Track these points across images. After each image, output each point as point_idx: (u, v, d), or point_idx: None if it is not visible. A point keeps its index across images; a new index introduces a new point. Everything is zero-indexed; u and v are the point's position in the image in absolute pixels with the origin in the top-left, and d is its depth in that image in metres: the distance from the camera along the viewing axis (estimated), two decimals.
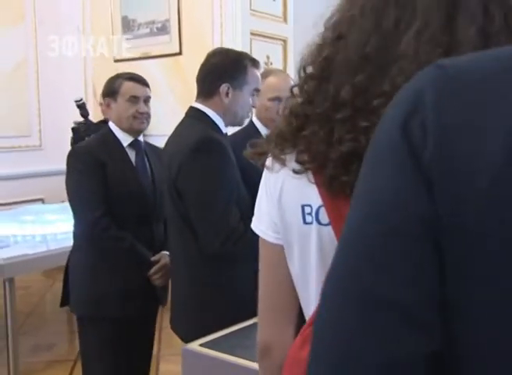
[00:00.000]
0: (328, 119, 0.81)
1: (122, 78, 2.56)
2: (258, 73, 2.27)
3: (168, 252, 2.53)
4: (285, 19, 4.75)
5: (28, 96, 5.77)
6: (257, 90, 2.27)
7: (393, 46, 0.75)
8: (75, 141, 4.82)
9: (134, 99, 2.53)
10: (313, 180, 0.86)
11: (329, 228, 0.87)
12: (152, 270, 2.50)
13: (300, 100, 0.87)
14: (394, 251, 0.47)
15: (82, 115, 4.79)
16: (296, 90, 0.90)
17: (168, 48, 5.05)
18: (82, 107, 4.79)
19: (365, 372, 0.47)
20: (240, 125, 2.45)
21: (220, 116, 2.16)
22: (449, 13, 0.72)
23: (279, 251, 0.98)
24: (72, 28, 5.71)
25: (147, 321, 2.75)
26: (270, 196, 0.96)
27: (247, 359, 1.68)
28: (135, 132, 2.58)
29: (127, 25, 5.35)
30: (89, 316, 2.56)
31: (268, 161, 0.94)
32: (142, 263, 2.50)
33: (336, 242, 0.82)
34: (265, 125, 2.53)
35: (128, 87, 2.53)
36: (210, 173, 2.01)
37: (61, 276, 5.35)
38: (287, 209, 0.93)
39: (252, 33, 4.49)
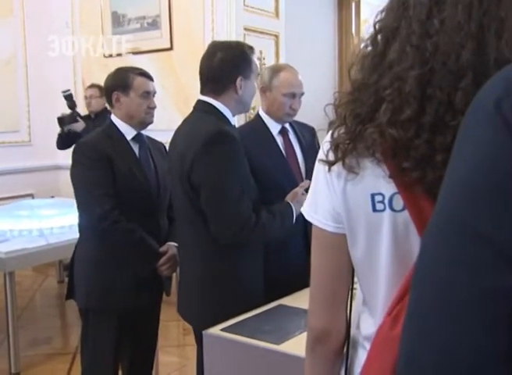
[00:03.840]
0: (442, 126, 0.84)
1: (132, 73, 2.58)
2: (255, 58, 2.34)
3: (174, 243, 2.58)
4: (277, 15, 4.81)
5: (17, 91, 5.75)
6: (257, 75, 2.35)
7: (489, 51, 0.82)
8: (63, 132, 4.88)
9: (147, 94, 2.58)
10: (387, 173, 0.91)
11: (403, 213, 0.92)
12: (161, 261, 2.54)
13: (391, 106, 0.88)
14: (492, 202, 0.55)
15: (69, 106, 4.84)
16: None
17: (159, 43, 5.07)
18: (69, 98, 4.83)
19: (462, 300, 0.55)
20: (247, 112, 2.49)
21: (228, 108, 2.21)
22: None
23: (340, 239, 1.02)
24: (61, 23, 5.70)
25: (152, 312, 2.79)
26: (332, 188, 1.00)
27: (268, 342, 1.74)
28: (144, 126, 2.62)
29: (117, 20, 5.36)
30: (96, 308, 2.59)
31: (331, 157, 0.98)
32: (151, 255, 2.54)
33: (410, 225, 0.91)
34: (276, 119, 2.57)
35: (141, 82, 2.57)
36: (223, 166, 2.06)
37: (52, 272, 5.42)
38: (354, 199, 0.98)
39: (245, 29, 4.54)
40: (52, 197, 5.32)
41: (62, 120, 4.84)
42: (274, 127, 2.56)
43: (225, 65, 2.19)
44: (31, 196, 5.71)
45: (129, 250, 2.51)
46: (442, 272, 0.58)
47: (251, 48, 2.32)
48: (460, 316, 0.56)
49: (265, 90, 2.53)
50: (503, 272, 0.55)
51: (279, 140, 2.57)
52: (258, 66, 2.36)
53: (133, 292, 2.53)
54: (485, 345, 0.55)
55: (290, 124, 2.63)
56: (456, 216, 0.58)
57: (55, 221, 3.90)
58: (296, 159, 2.57)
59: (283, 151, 2.54)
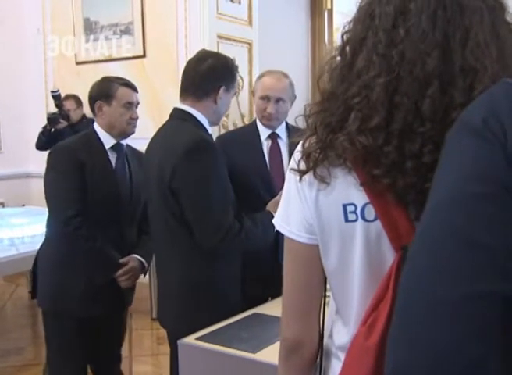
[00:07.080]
0: (411, 133, 0.85)
1: (116, 83, 2.58)
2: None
3: (137, 256, 2.60)
4: (250, 23, 4.83)
5: None
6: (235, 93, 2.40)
7: (454, 59, 0.84)
8: (45, 130, 4.85)
9: (129, 105, 2.58)
10: (358, 181, 0.91)
11: (375, 223, 0.92)
12: (119, 272, 2.53)
13: (360, 114, 0.89)
14: (486, 209, 0.57)
15: (57, 105, 4.84)
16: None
17: (131, 50, 5.04)
18: (57, 98, 4.83)
19: (454, 307, 0.56)
20: (216, 125, 2.50)
21: (205, 117, 2.20)
22: (494, 32, 0.86)
23: (313, 250, 1.02)
24: (32, 29, 5.64)
25: (112, 322, 2.76)
26: (304, 198, 0.99)
27: (244, 351, 1.73)
28: (125, 136, 2.62)
29: (89, 27, 5.32)
30: (53, 311, 2.59)
31: (302, 166, 0.97)
32: (109, 265, 2.53)
33: (382, 235, 0.92)
34: (262, 124, 2.63)
35: (124, 92, 2.57)
36: (205, 173, 2.06)
37: (23, 281, 5.33)
38: (326, 210, 0.97)
39: (218, 37, 4.55)
40: (23, 205, 5.24)
41: (53, 119, 4.82)
42: (264, 132, 2.61)
43: (214, 71, 2.20)
44: (2, 205, 5.61)
45: (87, 258, 2.49)
46: (433, 279, 0.59)
47: (237, 67, 2.37)
48: (452, 323, 0.56)
49: (253, 95, 2.59)
50: (498, 278, 0.56)
51: (266, 145, 2.59)
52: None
53: (87, 300, 2.51)
54: (477, 350, 0.55)
55: (288, 129, 2.65)
56: (449, 223, 0.59)
57: (26, 230, 3.85)
58: (282, 165, 2.59)
59: (266, 156, 2.56)
